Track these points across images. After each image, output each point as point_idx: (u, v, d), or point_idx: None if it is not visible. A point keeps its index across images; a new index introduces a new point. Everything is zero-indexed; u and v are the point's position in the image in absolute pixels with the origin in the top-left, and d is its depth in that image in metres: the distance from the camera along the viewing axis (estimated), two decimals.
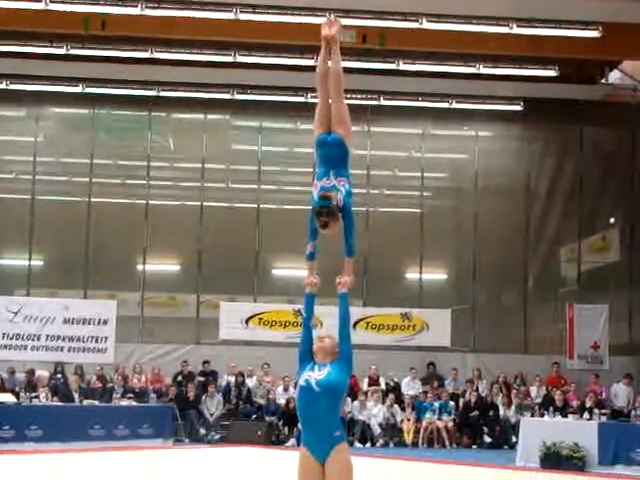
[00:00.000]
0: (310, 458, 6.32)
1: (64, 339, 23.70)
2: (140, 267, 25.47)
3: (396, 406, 22.35)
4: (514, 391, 22.87)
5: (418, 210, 26.10)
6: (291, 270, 24.91)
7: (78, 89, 24.72)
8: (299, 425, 6.54)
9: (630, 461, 16.18)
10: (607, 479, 15.54)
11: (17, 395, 19.20)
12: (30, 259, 25.14)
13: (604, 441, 16.46)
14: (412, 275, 26.16)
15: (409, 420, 21.96)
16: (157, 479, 14.20)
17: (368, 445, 21.44)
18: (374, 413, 21.99)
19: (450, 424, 21.84)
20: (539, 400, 22.36)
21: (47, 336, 23.65)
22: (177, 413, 20.99)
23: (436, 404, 22.12)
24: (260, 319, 24.52)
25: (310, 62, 22.03)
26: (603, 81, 25.24)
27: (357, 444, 21.03)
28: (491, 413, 22.14)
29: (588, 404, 20.19)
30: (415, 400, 22.54)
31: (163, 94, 24.99)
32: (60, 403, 19.23)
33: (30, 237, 24.94)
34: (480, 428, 22.09)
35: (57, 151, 25.94)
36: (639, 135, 26.16)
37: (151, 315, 25.17)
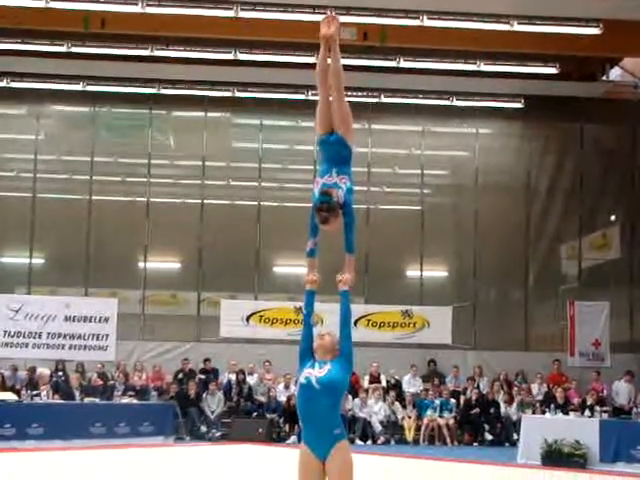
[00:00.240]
0: (310, 456, 6.33)
1: (65, 337, 23.71)
2: (141, 265, 25.48)
3: (397, 404, 22.36)
4: (515, 388, 22.87)
5: (418, 207, 26.10)
6: (292, 267, 24.93)
7: (79, 87, 24.74)
8: (300, 423, 6.53)
9: (631, 458, 16.14)
10: (608, 476, 15.53)
11: (18, 393, 19.22)
12: (31, 257, 25.14)
13: (605, 438, 16.44)
14: (413, 272, 26.16)
15: (410, 417, 21.97)
16: (158, 477, 14.20)
17: (369, 443, 21.44)
18: (375, 410, 22.00)
19: (451, 421, 21.85)
20: (540, 397, 22.37)
21: (48, 334, 23.67)
22: (178, 411, 20.99)
23: (437, 401, 22.13)
24: (261, 316, 24.52)
25: (310, 59, 22.01)
26: (604, 78, 25.27)
27: (358, 442, 21.04)
28: (492, 410, 22.15)
29: (589, 401, 20.22)
30: (416, 397, 22.56)
31: (164, 92, 25.00)
32: (61, 401, 19.24)
33: (31, 235, 24.94)
34: (481, 425, 22.09)
35: (58, 149, 25.93)
36: None
37: (152, 313, 25.19)
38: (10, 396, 18.59)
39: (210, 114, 26.15)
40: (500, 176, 26.29)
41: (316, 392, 6.28)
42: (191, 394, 21.86)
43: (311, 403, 6.31)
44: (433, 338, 24.70)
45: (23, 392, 19.39)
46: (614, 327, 24.82)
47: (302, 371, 6.46)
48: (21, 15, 20.72)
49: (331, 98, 7.07)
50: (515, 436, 20.40)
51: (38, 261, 25.47)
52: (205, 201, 25.53)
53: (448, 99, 25.27)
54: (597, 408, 18.31)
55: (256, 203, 25.60)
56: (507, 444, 21.28)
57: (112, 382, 21.97)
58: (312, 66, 22.77)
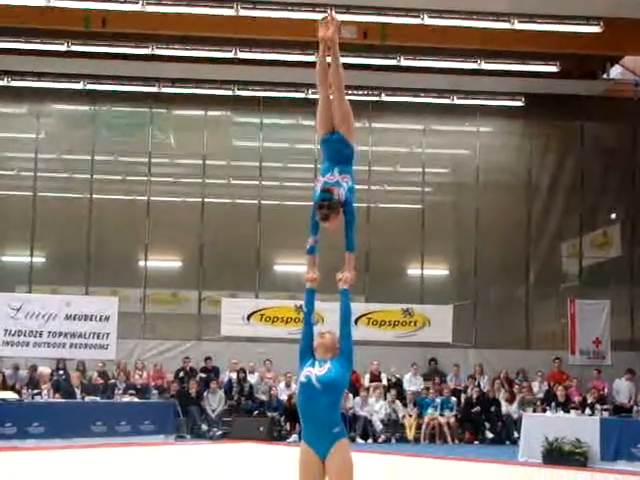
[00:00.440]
0: (310, 454, 6.33)
1: (66, 335, 23.71)
2: (142, 263, 25.48)
3: (398, 402, 22.36)
4: (516, 387, 22.87)
5: (419, 206, 26.09)
6: (292, 266, 24.93)
7: (79, 86, 24.74)
8: (300, 421, 6.53)
9: (632, 457, 16.15)
10: (609, 475, 15.53)
11: (19, 392, 19.23)
12: (32, 256, 25.15)
13: (606, 437, 16.45)
14: (413, 271, 26.16)
15: (411, 416, 21.97)
16: (159, 475, 14.21)
17: (370, 441, 21.45)
18: (376, 409, 22.00)
19: (452, 420, 21.85)
20: (541, 396, 22.38)
21: (49, 332, 23.67)
22: (179, 409, 21.02)
23: (438, 400, 22.12)
24: (262, 315, 24.52)
25: (311, 58, 21.99)
26: (604, 76, 25.28)
27: (359, 440, 21.05)
28: (493, 409, 22.15)
29: (590, 400, 20.20)
30: (417, 396, 22.55)
31: (164, 90, 24.99)
32: (62, 400, 19.25)
33: (32, 234, 24.94)
34: (482, 424, 22.10)
35: (58, 148, 25.93)
36: None
37: (153, 311, 25.20)
38: (11, 395, 18.59)
39: (210, 113, 26.15)
40: (501, 174, 26.29)
41: (316, 391, 6.29)
42: (192, 393, 21.86)
43: (311, 402, 6.31)
44: (434, 336, 24.70)
45: (24, 391, 19.40)
46: (615, 325, 24.82)
47: (302, 370, 6.46)
48: (22, 14, 20.72)
49: (332, 97, 7.07)
50: (516, 434, 20.41)
51: (39, 260, 25.48)
52: (205, 200, 25.53)
53: (449, 97, 25.26)
54: (598, 406, 18.30)
55: (257, 202, 25.60)
56: (508, 442, 21.29)
57: (113, 381, 21.99)
58: (313, 64, 22.71)
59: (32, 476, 13.49)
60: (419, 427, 21.82)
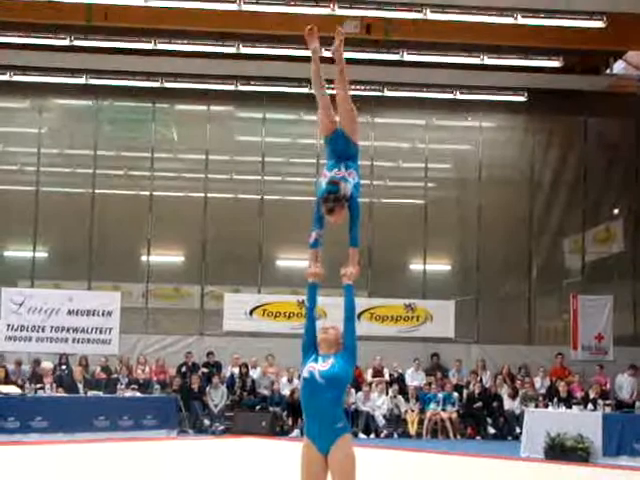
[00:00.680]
0: (313, 449, 6.33)
1: (68, 330, 23.71)
2: (144, 258, 25.50)
3: (400, 397, 22.37)
4: (518, 382, 22.87)
5: (422, 201, 26.09)
6: (295, 261, 24.91)
7: (81, 80, 24.72)
8: (303, 416, 6.53)
9: (634, 452, 16.18)
10: (611, 470, 15.54)
11: (22, 386, 19.25)
12: (34, 250, 25.17)
13: (608, 432, 16.46)
14: (416, 266, 26.16)
15: (413, 411, 21.98)
16: (161, 470, 14.23)
17: (372, 436, 21.46)
18: (378, 404, 22.01)
19: (454, 415, 21.85)
20: (543, 391, 22.39)
21: (51, 327, 23.66)
22: (181, 404, 21.02)
23: (440, 395, 22.13)
24: (264, 310, 24.53)
25: None
26: (607, 72, 25.19)
27: (361, 435, 21.07)
28: (495, 404, 22.17)
29: (592, 395, 20.20)
30: (419, 391, 22.56)
31: (167, 85, 24.97)
32: (65, 394, 19.27)
33: (34, 228, 24.97)
34: (484, 419, 22.11)
35: (61, 143, 25.94)
36: None
37: (155, 306, 25.22)
38: (14, 389, 18.62)
39: (213, 107, 26.15)
40: (503, 170, 26.28)
41: (319, 386, 6.28)
42: (194, 387, 21.88)
43: (314, 397, 6.30)
44: (436, 332, 24.70)
45: (27, 385, 19.42)
46: (617, 321, 24.78)
47: (305, 365, 6.46)
48: (24, 8, 20.72)
49: (336, 95, 7.07)
50: (518, 430, 20.39)
51: (41, 255, 25.50)
52: (208, 194, 25.53)
53: (452, 92, 25.23)
54: (600, 402, 18.27)
55: (259, 197, 25.59)
56: (510, 438, 21.29)
57: (115, 375, 22.00)
58: None
59: (35, 470, 13.51)
60: (421, 422, 21.84)
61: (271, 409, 21.74)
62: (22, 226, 25.09)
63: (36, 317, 23.63)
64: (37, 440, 17.30)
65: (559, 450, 16.59)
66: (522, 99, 25.47)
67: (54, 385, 19.53)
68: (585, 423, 16.83)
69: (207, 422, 21.51)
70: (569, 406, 18.54)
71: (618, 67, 25.47)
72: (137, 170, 26.15)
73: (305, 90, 24.18)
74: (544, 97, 25.07)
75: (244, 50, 22.77)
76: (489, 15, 20.64)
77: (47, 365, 21.06)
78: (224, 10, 20.71)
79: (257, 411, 21.85)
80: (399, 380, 23.24)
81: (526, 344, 25.33)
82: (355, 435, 19.39)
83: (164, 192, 25.72)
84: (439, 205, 26.14)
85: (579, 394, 20.99)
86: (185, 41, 22.62)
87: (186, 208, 25.64)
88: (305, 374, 6.40)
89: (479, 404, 22.17)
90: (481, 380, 23.09)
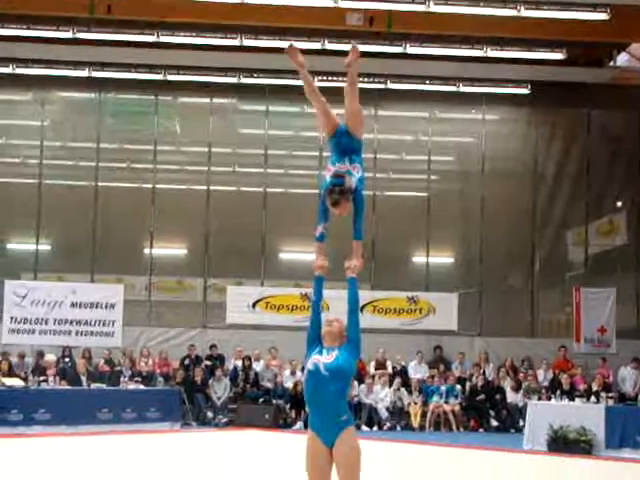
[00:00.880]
0: (318, 442, 6.33)
1: (72, 323, 23.74)
2: (147, 251, 25.51)
3: (403, 390, 22.38)
4: (521, 375, 22.88)
5: (425, 194, 26.08)
6: (298, 254, 24.93)
7: (84, 73, 24.72)
8: (306, 408, 6.54)
9: (637, 445, 16.19)
10: (614, 462, 15.55)
11: (25, 379, 19.29)
12: (37, 243, 25.19)
13: (611, 425, 16.47)
14: (419, 259, 26.17)
15: (416, 404, 22.00)
16: (165, 462, 14.25)
17: (375, 429, 21.49)
18: (381, 397, 22.03)
19: (457, 408, 21.88)
20: (546, 384, 22.40)
21: (55, 320, 23.69)
22: (184, 397, 21.04)
23: (443, 388, 22.15)
24: (267, 303, 24.54)
25: (317, 45, 22.02)
26: (611, 64, 25.13)
27: (364, 428, 21.08)
28: (498, 397, 22.18)
29: (595, 388, 20.21)
30: (422, 384, 22.57)
31: (170, 78, 24.96)
32: (68, 387, 19.29)
33: (37, 221, 24.98)
34: (487, 412, 22.12)
35: (64, 135, 25.93)
36: None
37: (158, 299, 25.23)
38: (17, 382, 18.65)
39: (216, 100, 26.14)
40: (507, 162, 26.25)
41: (324, 378, 6.28)
42: (197, 380, 21.91)
43: (319, 389, 6.30)
44: (439, 324, 24.71)
45: (30, 378, 19.46)
46: (620, 313, 24.77)
47: (310, 357, 6.45)
48: (27, 1, 20.71)
49: (346, 101, 7.08)
50: (521, 422, 20.41)
51: (44, 247, 25.52)
52: (211, 187, 25.53)
53: (455, 85, 25.21)
54: (603, 394, 18.30)
55: (262, 189, 25.59)
56: (513, 430, 21.30)
57: (119, 368, 22.03)
58: (319, 52, 22.60)
59: (38, 463, 13.53)
60: (424, 415, 21.85)
61: (274, 402, 21.76)
62: (25, 219, 25.11)
63: (39, 310, 23.65)
64: (40, 432, 17.34)
65: (562, 442, 16.61)
66: (525, 91, 25.45)
67: (57, 378, 19.57)
68: (588, 416, 16.84)
69: (210, 415, 21.55)
70: (572, 399, 18.55)
71: (622, 59, 25.42)
72: (140, 163, 26.14)
73: None
74: (547, 89, 25.04)
75: (247, 42, 22.75)
76: (492, 7, 20.62)
77: (50, 358, 21.10)
78: (227, 2, 20.71)
79: (260, 404, 21.87)
80: (402, 373, 23.25)
81: (529, 337, 25.33)
82: (358, 427, 19.38)
83: (167, 185, 25.72)
84: (442, 198, 26.12)
85: (582, 387, 20.99)
86: (188, 33, 22.60)
87: (189, 201, 25.65)
88: (310, 366, 6.40)
89: (482, 397, 22.19)
90: (484, 373, 23.10)
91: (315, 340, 6.54)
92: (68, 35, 22.35)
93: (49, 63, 24.32)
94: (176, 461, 14.39)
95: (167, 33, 22.44)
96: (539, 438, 17.16)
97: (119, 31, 22.53)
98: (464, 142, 27.19)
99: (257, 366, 22.98)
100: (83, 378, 20.11)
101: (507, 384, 22.46)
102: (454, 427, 21.54)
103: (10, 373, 19.84)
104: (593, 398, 18.29)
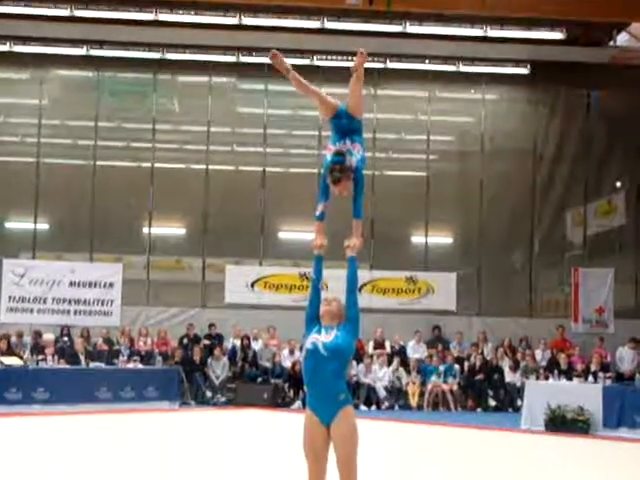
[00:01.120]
0: (315, 420, 6.34)
1: (70, 302, 23.75)
2: (146, 230, 25.48)
3: (401, 369, 22.42)
4: (519, 354, 22.91)
5: (424, 173, 26.03)
6: (297, 233, 24.91)
7: (82, 51, 24.65)
8: (305, 388, 6.54)
9: (634, 424, 16.23)
10: (611, 442, 15.59)
11: (22, 357, 19.32)
12: (36, 222, 25.14)
13: (608, 404, 16.50)
14: (418, 239, 26.15)
15: (414, 383, 22.04)
16: (164, 441, 14.27)
17: (373, 408, 21.54)
18: (379, 376, 22.07)
19: (455, 387, 21.91)
20: (544, 363, 22.41)
21: (53, 299, 23.71)
22: (183, 376, 21.08)
23: (441, 367, 22.17)
24: (266, 282, 24.55)
25: (317, 24, 21.94)
26: (611, 44, 25.06)
27: (362, 407, 21.13)
28: (496, 376, 22.22)
29: (593, 367, 20.25)
30: (420, 363, 22.60)
31: (168, 56, 24.91)
32: (67, 366, 19.32)
33: (36, 200, 24.93)
34: (485, 391, 22.18)
35: (62, 114, 25.83)
36: None
37: (157, 278, 25.22)
38: (16, 361, 18.68)
39: (215, 79, 26.04)
40: (506, 142, 26.20)
41: (322, 357, 6.28)
42: (196, 359, 21.93)
43: (317, 368, 6.30)
44: (438, 304, 24.74)
45: (28, 357, 19.48)
46: (619, 294, 24.81)
47: (309, 336, 6.45)
48: None
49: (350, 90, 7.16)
50: (519, 402, 20.43)
51: (43, 226, 25.48)
52: (210, 167, 25.46)
53: (454, 64, 25.17)
54: (600, 374, 18.35)
55: (261, 169, 25.53)
56: (510, 410, 21.35)
57: (117, 347, 22.05)
58: (318, 31, 22.54)
59: (37, 442, 13.56)
60: (422, 394, 21.88)
61: (272, 381, 21.81)
62: (23, 197, 25.05)
63: (38, 289, 23.66)
64: (39, 411, 17.37)
65: (559, 422, 16.64)
66: (525, 71, 25.41)
67: (56, 357, 19.60)
68: (586, 395, 16.87)
69: (209, 394, 21.60)
70: (570, 378, 18.62)
71: (621, 39, 25.34)
72: (138, 142, 26.08)
73: (308, 62, 24.13)
74: (547, 69, 24.99)
75: (246, 21, 22.68)
76: None
77: (49, 337, 21.10)
78: None
79: (259, 383, 21.92)
80: (400, 352, 23.28)
81: (527, 317, 25.34)
82: (356, 407, 19.42)
83: (165, 164, 25.67)
84: (441, 177, 26.08)
85: (580, 366, 21.04)
86: (187, 11, 22.53)
87: (188, 180, 25.60)
88: (308, 345, 6.40)
89: (480, 376, 22.23)
90: (482, 352, 23.14)
91: (314, 319, 6.54)
92: (66, 13, 22.29)
93: (47, 41, 24.23)
94: (175, 440, 14.42)
95: (166, 11, 22.39)
96: (537, 418, 17.20)
97: (117, 9, 22.47)
98: (463, 122, 27.15)
99: (256, 345, 23.01)
100: (82, 357, 20.14)
101: (505, 364, 22.49)
102: (452, 407, 21.58)
103: (9, 352, 19.86)
104: (591, 378, 18.34)
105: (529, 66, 25.23)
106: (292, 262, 24.89)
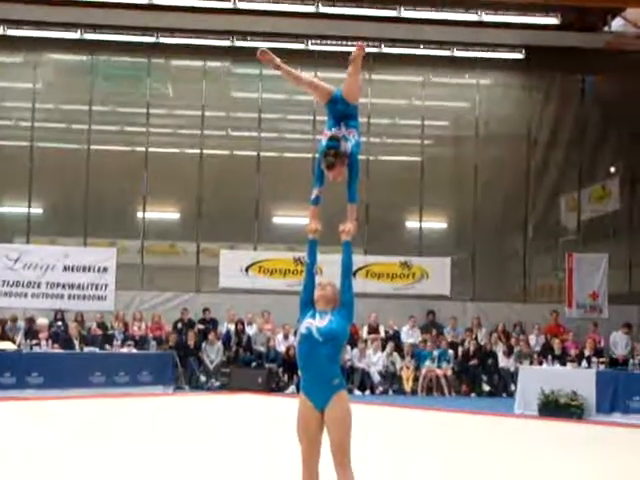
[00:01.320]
0: (309, 405, 6.34)
1: (64, 287, 23.74)
2: (140, 215, 25.44)
3: (395, 354, 22.44)
4: (513, 340, 22.94)
5: (419, 158, 26.00)
6: (291, 218, 24.91)
7: (76, 35, 24.55)
8: (299, 372, 6.54)
9: (628, 409, 16.29)
10: (605, 427, 15.63)
11: (15, 341, 19.31)
12: (29, 206, 25.08)
13: (602, 389, 16.55)
14: (412, 223, 26.15)
15: (408, 368, 22.07)
16: (158, 426, 14.29)
17: (367, 393, 21.58)
18: (373, 361, 22.10)
19: (449, 372, 21.96)
20: (538, 349, 22.46)
21: (47, 284, 23.69)
22: (177, 360, 21.09)
23: (435, 352, 22.21)
24: (260, 267, 24.54)
25: (311, 9, 21.86)
26: (606, 29, 25.03)
27: (356, 392, 21.17)
28: (490, 361, 22.26)
29: (587, 353, 20.29)
30: (414, 348, 22.63)
31: (162, 40, 24.83)
32: (60, 350, 19.32)
33: (29, 184, 24.86)
34: (479, 376, 22.22)
35: (56, 98, 25.75)
36: None
37: (151, 263, 25.19)
38: (10, 345, 18.68)
39: (209, 63, 25.98)
40: (501, 127, 26.18)
41: (317, 342, 6.28)
42: (190, 344, 21.94)
43: (311, 353, 6.30)
44: (432, 289, 24.76)
45: (22, 341, 19.47)
46: (612, 279, 24.84)
47: (303, 321, 6.45)
48: None
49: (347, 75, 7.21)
50: (512, 387, 20.47)
51: (37, 211, 25.43)
52: (204, 151, 25.42)
53: (449, 49, 25.12)
54: (594, 359, 18.37)
55: (255, 153, 25.49)
56: (504, 395, 21.39)
57: (111, 332, 22.04)
58: (313, 15, 22.51)
59: (31, 426, 13.56)
60: (416, 379, 21.94)
61: (267, 365, 21.84)
62: (17, 182, 24.99)
63: (31, 273, 23.64)
64: (33, 396, 17.36)
65: (553, 407, 16.69)
66: (520, 56, 25.38)
67: (50, 341, 19.59)
68: (579, 380, 16.91)
69: (203, 378, 21.61)
70: (563, 363, 18.66)
71: (616, 24, 25.29)
72: (132, 126, 26.02)
73: (302, 46, 24.07)
74: (542, 54, 24.94)
75: (241, 5, 22.61)
76: None
77: (43, 321, 21.08)
78: None
79: (253, 368, 21.95)
80: (395, 337, 23.31)
81: (521, 302, 25.39)
82: (350, 392, 19.45)
83: (160, 148, 25.61)
84: (436, 162, 26.06)
85: (573, 351, 21.09)
86: None
87: (182, 164, 25.55)
88: (303, 330, 6.39)
89: (474, 361, 22.27)
90: (476, 337, 23.19)
91: (308, 304, 6.53)
92: None
93: (41, 25, 24.11)
94: (169, 425, 14.43)
95: None
96: (530, 403, 17.25)
97: None
98: (458, 107, 27.11)
99: (250, 330, 23.02)
100: (76, 342, 20.15)
101: (499, 349, 22.53)
102: (446, 391, 21.63)
103: (2, 336, 19.85)
104: (584, 363, 18.38)
105: (524, 51, 25.20)
106: (286, 247, 24.89)
